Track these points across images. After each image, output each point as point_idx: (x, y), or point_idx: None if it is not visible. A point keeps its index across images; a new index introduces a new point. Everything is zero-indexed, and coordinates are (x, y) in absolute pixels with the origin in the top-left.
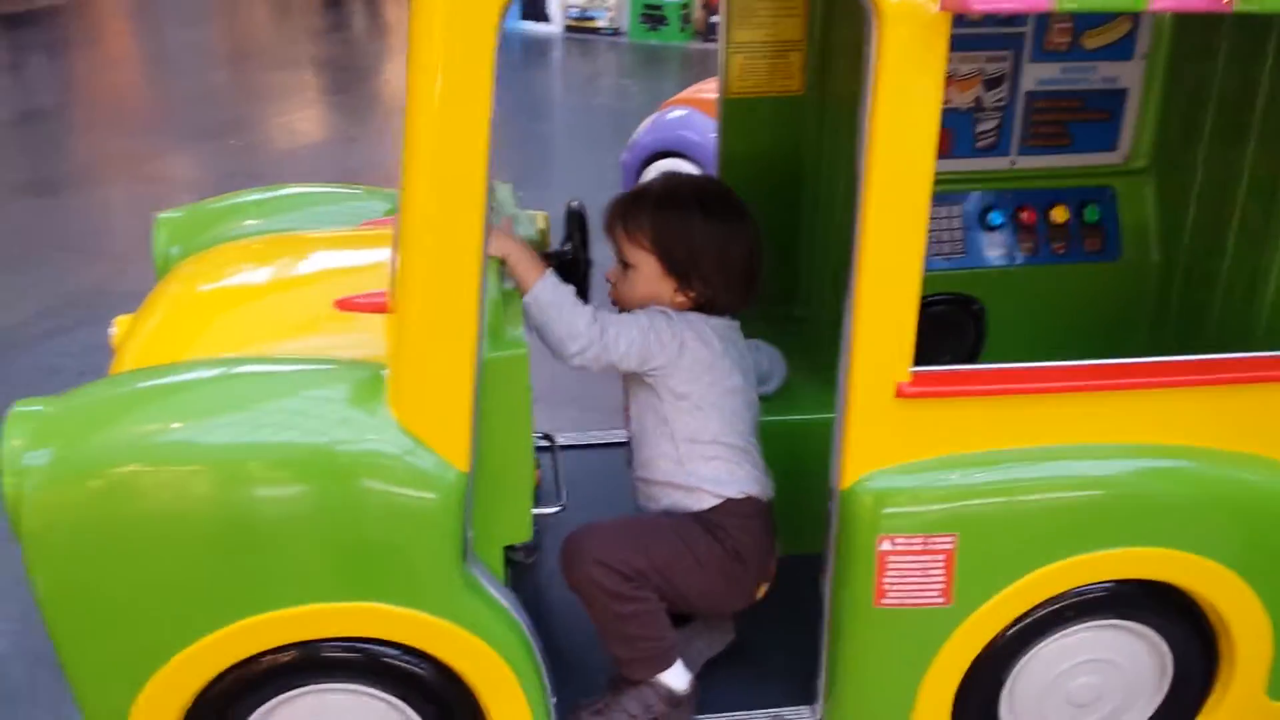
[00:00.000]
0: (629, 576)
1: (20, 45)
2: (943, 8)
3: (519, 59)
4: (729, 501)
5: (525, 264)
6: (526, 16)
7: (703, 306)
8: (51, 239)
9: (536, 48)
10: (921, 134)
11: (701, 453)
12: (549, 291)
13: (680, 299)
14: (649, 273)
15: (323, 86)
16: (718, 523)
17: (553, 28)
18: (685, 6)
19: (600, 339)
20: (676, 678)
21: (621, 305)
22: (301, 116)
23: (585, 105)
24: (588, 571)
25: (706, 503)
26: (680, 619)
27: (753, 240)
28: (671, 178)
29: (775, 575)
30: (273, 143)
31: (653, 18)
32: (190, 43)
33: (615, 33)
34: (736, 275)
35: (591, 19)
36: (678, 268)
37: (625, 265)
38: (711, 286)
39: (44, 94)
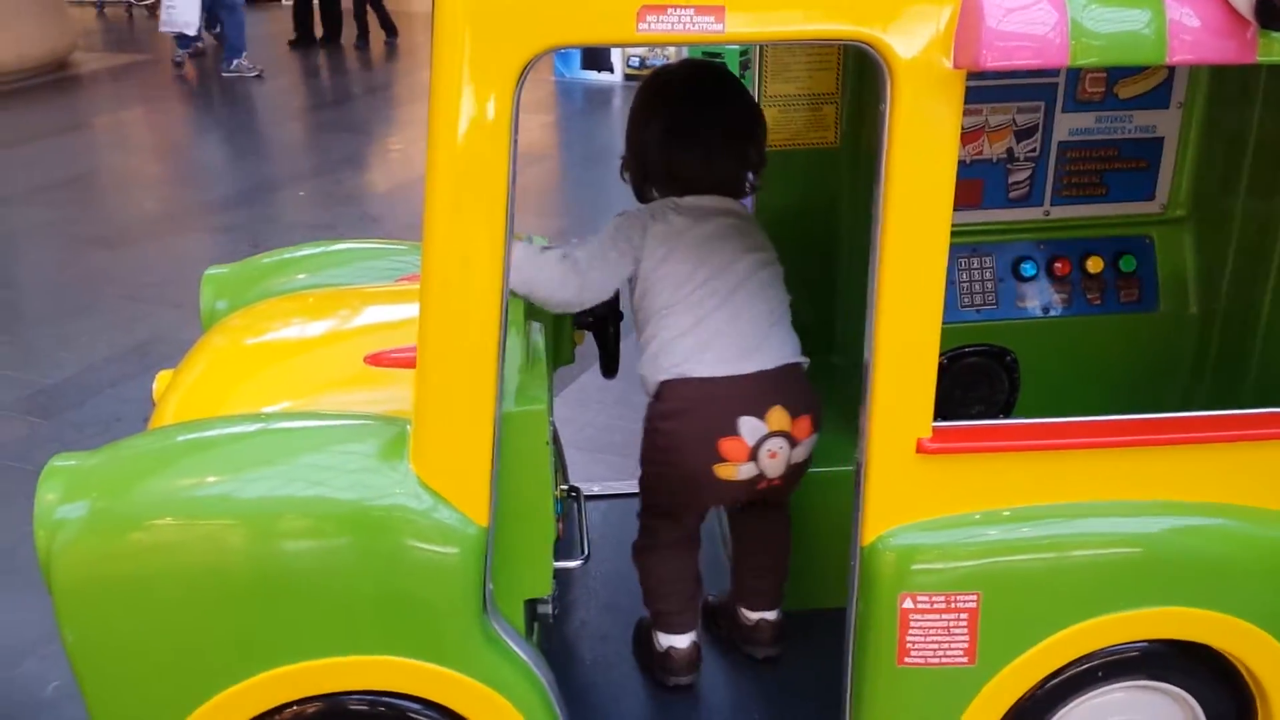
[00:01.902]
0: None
1: (92, 102)
2: (956, 65)
3: (580, 108)
4: (662, 387)
5: None
6: (588, 67)
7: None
8: (121, 288)
9: (598, 97)
10: (937, 189)
11: (648, 336)
12: (520, 254)
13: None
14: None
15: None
16: (652, 418)
17: (614, 77)
18: (744, 54)
19: (574, 269)
20: (674, 639)
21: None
22: (365, 168)
23: None
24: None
25: (652, 393)
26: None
27: (667, 125)
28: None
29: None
30: (338, 193)
31: None
32: (260, 94)
33: None
34: (662, 164)
35: (652, 67)
36: (624, 163)
37: None
38: (644, 173)
39: (114, 150)
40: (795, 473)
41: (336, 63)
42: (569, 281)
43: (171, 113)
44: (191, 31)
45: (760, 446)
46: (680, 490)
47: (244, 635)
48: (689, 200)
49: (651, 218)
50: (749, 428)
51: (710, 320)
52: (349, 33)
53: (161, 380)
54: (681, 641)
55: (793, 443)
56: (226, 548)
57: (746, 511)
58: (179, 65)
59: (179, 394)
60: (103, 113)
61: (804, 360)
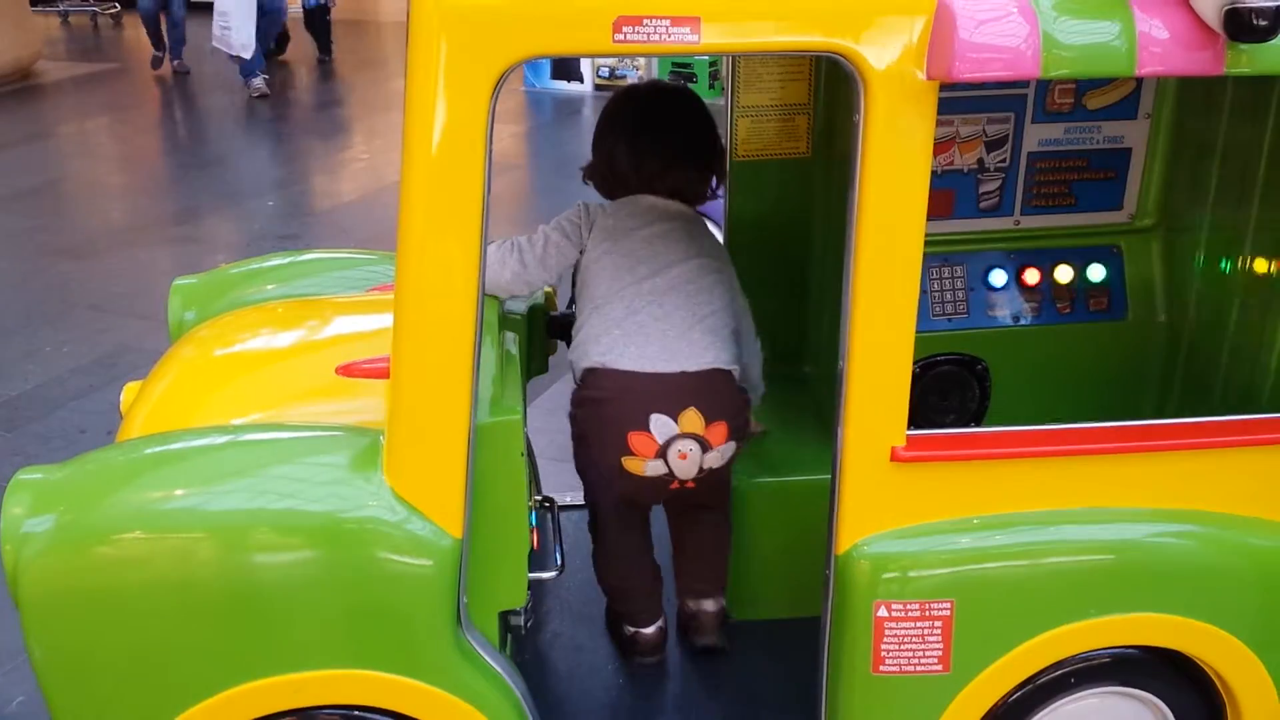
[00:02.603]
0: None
1: (57, 111)
2: (929, 76)
3: (550, 118)
4: (585, 374)
5: None
6: (558, 76)
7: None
8: (87, 298)
9: (568, 106)
10: (911, 198)
11: (580, 324)
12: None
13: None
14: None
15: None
16: (573, 404)
17: (584, 87)
18: (714, 64)
19: (515, 251)
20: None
21: None
22: (334, 177)
23: None
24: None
25: (577, 380)
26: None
27: (633, 132)
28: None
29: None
30: (306, 203)
31: (682, 75)
32: (225, 107)
33: None
34: (611, 171)
35: (622, 77)
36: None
37: None
38: (599, 180)
39: (80, 159)
40: (712, 478)
41: (294, 77)
42: (507, 263)
43: (137, 122)
44: (248, 54)
45: (670, 446)
46: (597, 479)
47: (215, 650)
48: (645, 200)
49: (602, 211)
50: (659, 425)
51: (639, 316)
52: (297, 50)
53: (129, 392)
54: (646, 629)
55: (705, 447)
56: (196, 561)
57: (681, 514)
58: (176, 68)
59: (147, 406)
60: (68, 121)
61: (733, 368)
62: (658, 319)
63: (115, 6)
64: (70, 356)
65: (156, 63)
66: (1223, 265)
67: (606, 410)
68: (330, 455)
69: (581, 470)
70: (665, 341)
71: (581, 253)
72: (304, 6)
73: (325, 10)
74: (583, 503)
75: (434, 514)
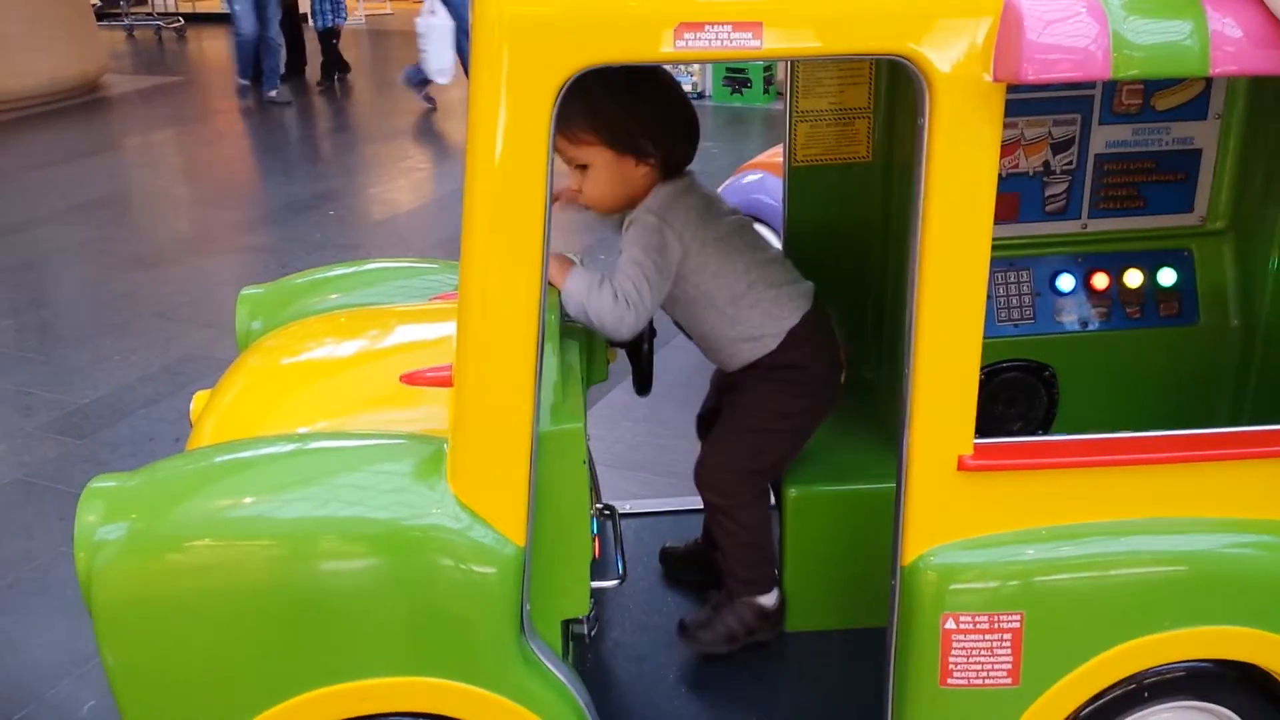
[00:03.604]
0: (761, 485)
1: (123, 123)
2: (996, 78)
3: None
4: (791, 333)
5: (553, 266)
6: None
7: (666, 166)
8: (155, 307)
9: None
10: (977, 202)
11: (747, 303)
12: (575, 285)
13: (644, 170)
14: (604, 161)
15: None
16: (790, 362)
17: None
18: (768, 69)
19: (631, 307)
20: (770, 598)
21: (597, 208)
22: (395, 186)
23: None
24: (732, 491)
25: (773, 343)
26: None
27: (678, 96)
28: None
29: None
30: (366, 212)
31: (736, 80)
32: (285, 118)
33: (700, 96)
34: (679, 122)
35: (679, 83)
36: (627, 143)
37: (581, 168)
38: (665, 142)
39: (145, 170)
40: None
41: (333, 94)
42: (625, 319)
43: (201, 134)
44: (445, 79)
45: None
46: (814, 416)
47: (282, 657)
48: (680, 183)
49: (664, 222)
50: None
51: (771, 255)
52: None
53: (198, 401)
54: (771, 599)
55: None
56: (264, 569)
57: None
58: (274, 98)
59: (216, 415)
60: (134, 134)
61: None
62: (772, 254)
63: (179, 21)
64: (138, 365)
65: (243, 92)
66: None
67: (825, 347)
68: (395, 463)
69: (788, 427)
70: (791, 273)
71: (676, 272)
72: (316, 28)
73: (334, 34)
74: (643, 511)
75: (497, 522)
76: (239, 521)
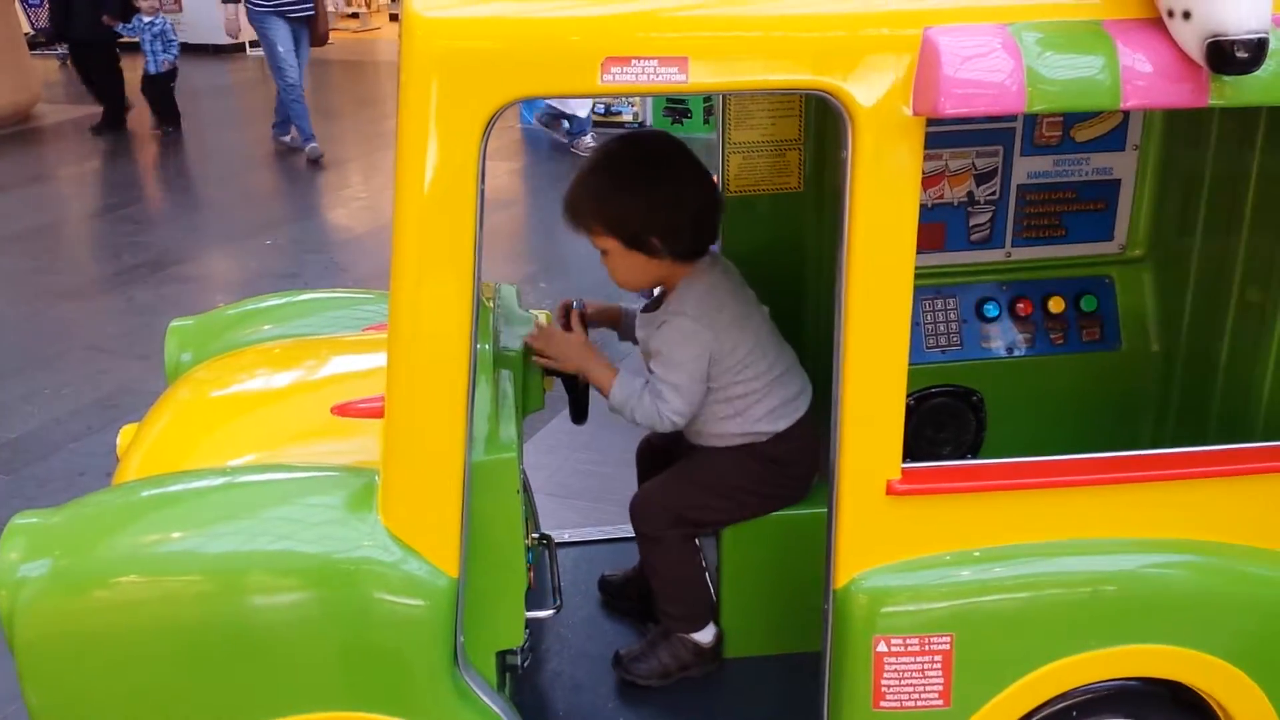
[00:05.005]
0: (692, 533)
1: (56, 153)
2: (915, 112)
3: (546, 154)
4: (788, 429)
5: (597, 373)
6: None
7: (683, 254)
8: (88, 340)
9: (564, 143)
10: (900, 232)
11: (754, 399)
12: (618, 393)
13: (659, 263)
14: (618, 251)
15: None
16: (775, 456)
17: None
18: (708, 100)
19: (672, 411)
20: (705, 635)
21: (623, 288)
22: (331, 217)
23: None
24: (662, 530)
25: (764, 438)
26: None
27: (694, 180)
28: (601, 150)
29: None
30: (305, 242)
31: (676, 111)
32: (231, 144)
33: (640, 125)
34: (692, 219)
35: (618, 113)
36: (636, 241)
37: (601, 251)
38: (678, 239)
39: (82, 201)
40: None
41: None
42: (666, 424)
43: (136, 163)
44: (583, 112)
45: None
46: (775, 504)
47: (211, 693)
48: (701, 267)
49: (699, 325)
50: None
51: (780, 349)
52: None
53: (126, 434)
54: (707, 635)
55: None
56: (193, 604)
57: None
58: (309, 155)
59: (143, 448)
60: (67, 164)
61: None
62: (781, 348)
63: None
64: (70, 398)
65: (279, 132)
66: (1213, 294)
67: (813, 449)
68: (325, 496)
69: (755, 506)
70: (796, 368)
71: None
72: (148, 72)
73: (170, 76)
74: (581, 540)
75: (430, 553)
76: (166, 557)
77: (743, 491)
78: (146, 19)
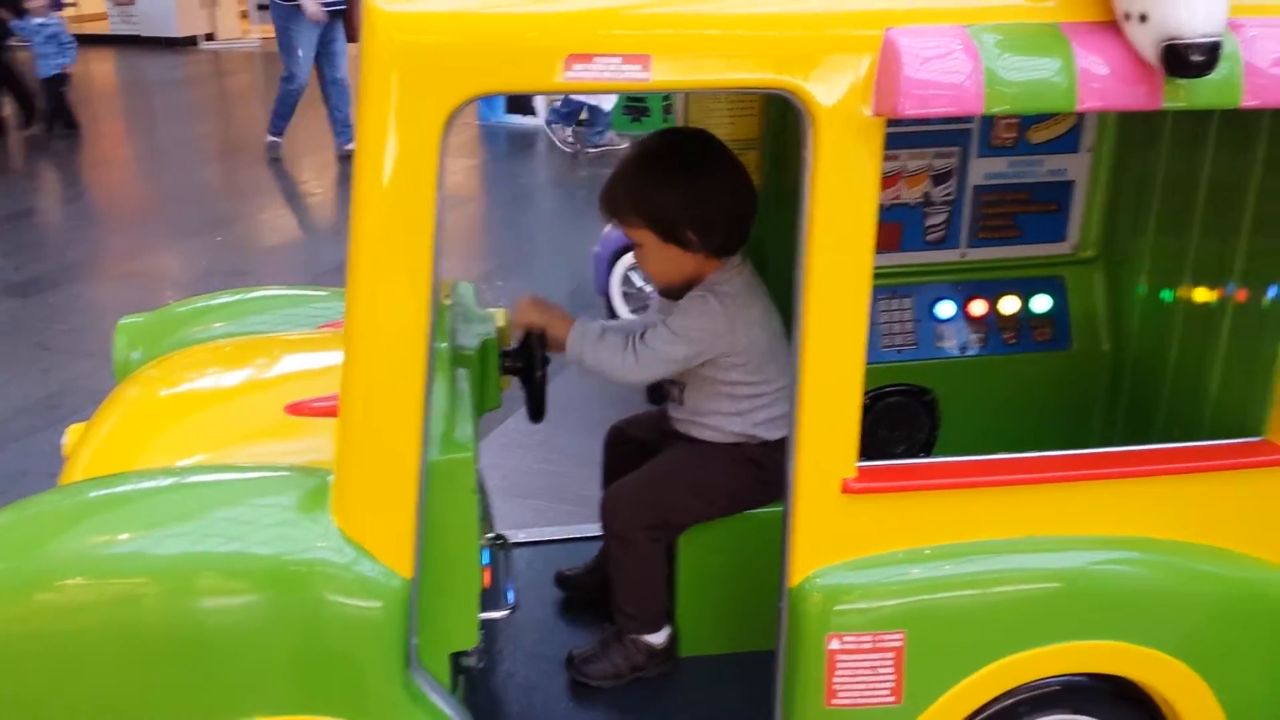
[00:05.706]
0: (663, 536)
1: (9, 146)
2: (875, 112)
3: (505, 151)
4: (779, 440)
5: (554, 325)
6: (512, 110)
7: (716, 250)
8: (34, 337)
9: (522, 140)
10: (859, 232)
11: (762, 402)
12: (574, 335)
13: (693, 257)
14: (652, 244)
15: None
16: (758, 459)
17: (538, 121)
18: (667, 99)
19: (639, 360)
20: (659, 637)
21: (654, 282)
22: (284, 213)
23: (567, 195)
24: (635, 530)
25: (757, 440)
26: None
27: (732, 177)
28: (640, 145)
29: None
30: (257, 239)
31: (635, 109)
32: (182, 139)
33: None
34: (727, 216)
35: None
36: (672, 235)
37: (636, 244)
38: (713, 235)
39: (30, 195)
40: None
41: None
42: (627, 364)
43: (84, 159)
44: (608, 105)
45: None
46: (751, 505)
47: (161, 697)
48: (733, 264)
49: (721, 305)
50: None
51: (787, 373)
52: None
53: (73, 434)
54: (660, 637)
55: None
56: (141, 607)
57: None
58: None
59: (91, 448)
60: (17, 157)
61: None
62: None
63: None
64: (14, 396)
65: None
66: (1163, 295)
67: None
68: (277, 496)
69: (726, 505)
70: None
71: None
72: (39, 76)
73: (62, 80)
74: (536, 540)
75: (383, 554)
76: (114, 559)
77: (720, 492)
78: (37, 20)
